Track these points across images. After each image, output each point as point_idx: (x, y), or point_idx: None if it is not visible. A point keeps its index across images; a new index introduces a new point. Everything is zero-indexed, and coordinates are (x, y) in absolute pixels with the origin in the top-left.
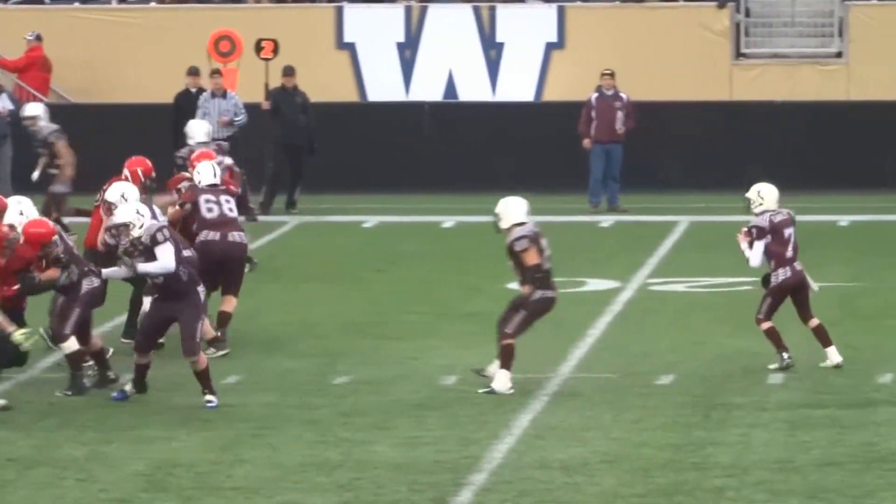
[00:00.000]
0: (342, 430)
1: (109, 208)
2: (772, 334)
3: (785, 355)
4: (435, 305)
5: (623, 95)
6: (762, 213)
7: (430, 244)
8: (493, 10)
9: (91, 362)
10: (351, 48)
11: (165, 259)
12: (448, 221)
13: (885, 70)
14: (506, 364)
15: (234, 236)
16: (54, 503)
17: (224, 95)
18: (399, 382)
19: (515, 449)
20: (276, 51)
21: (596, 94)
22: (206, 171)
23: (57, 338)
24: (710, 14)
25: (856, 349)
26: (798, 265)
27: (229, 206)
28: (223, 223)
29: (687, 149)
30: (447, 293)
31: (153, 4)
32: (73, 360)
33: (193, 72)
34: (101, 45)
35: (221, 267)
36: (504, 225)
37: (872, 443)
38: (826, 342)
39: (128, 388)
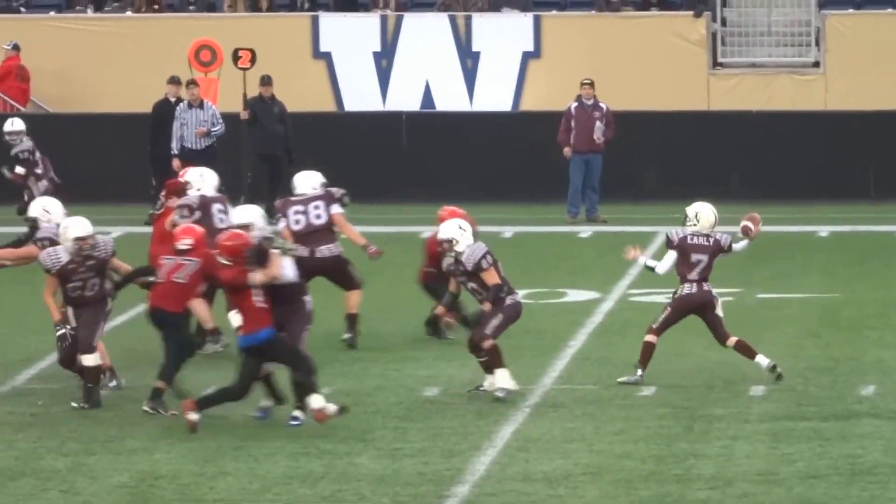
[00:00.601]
0: (324, 442)
1: (185, 189)
2: (648, 349)
3: (640, 372)
4: (415, 316)
5: (602, 105)
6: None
7: (408, 254)
8: (468, 19)
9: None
10: (327, 57)
11: (286, 269)
12: (426, 231)
13: (862, 80)
14: (499, 363)
15: (323, 251)
16: None
17: (201, 105)
18: (380, 394)
19: (498, 461)
20: (253, 60)
21: (575, 104)
22: (301, 182)
23: (85, 349)
24: (686, 23)
25: (837, 361)
26: (707, 286)
27: (317, 214)
28: (311, 235)
29: (664, 159)
30: (427, 304)
31: (129, 14)
32: (94, 373)
33: (174, 81)
34: (79, 55)
35: (313, 276)
36: (461, 247)
37: (856, 455)
38: (752, 354)
39: (264, 402)
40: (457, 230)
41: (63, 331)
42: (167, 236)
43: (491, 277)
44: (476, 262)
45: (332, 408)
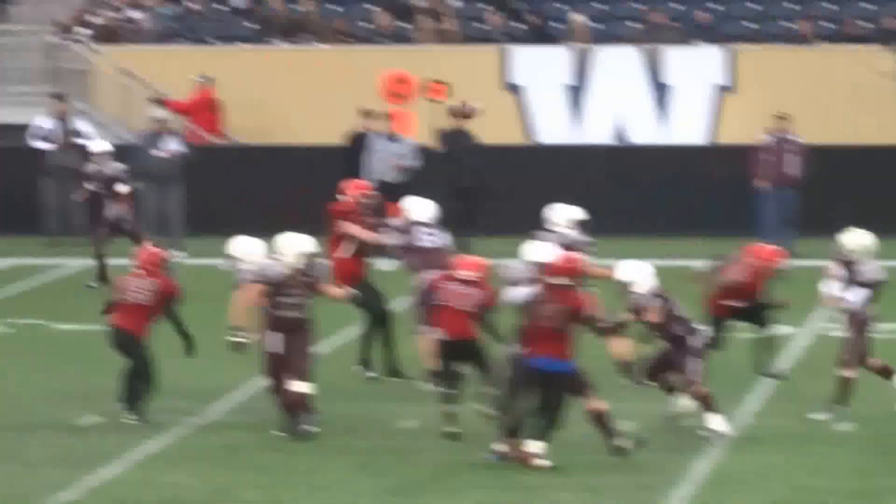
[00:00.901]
0: (521, 476)
1: (351, 213)
2: (848, 384)
3: (841, 409)
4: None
5: (797, 139)
6: (864, 267)
7: (603, 289)
8: (660, 52)
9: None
10: (517, 90)
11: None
12: (619, 266)
13: None
14: (712, 407)
15: None
16: None
17: (397, 138)
18: (576, 428)
19: (695, 496)
20: (448, 93)
21: (770, 137)
22: (555, 216)
23: (301, 376)
24: (881, 57)
25: None
26: None
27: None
28: None
29: (859, 193)
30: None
31: (320, 45)
32: (302, 401)
33: (368, 113)
34: (270, 86)
35: None
36: (639, 289)
37: None
38: (890, 372)
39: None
40: (635, 273)
41: (242, 341)
42: (341, 264)
43: (653, 316)
44: (633, 305)
45: (545, 463)
